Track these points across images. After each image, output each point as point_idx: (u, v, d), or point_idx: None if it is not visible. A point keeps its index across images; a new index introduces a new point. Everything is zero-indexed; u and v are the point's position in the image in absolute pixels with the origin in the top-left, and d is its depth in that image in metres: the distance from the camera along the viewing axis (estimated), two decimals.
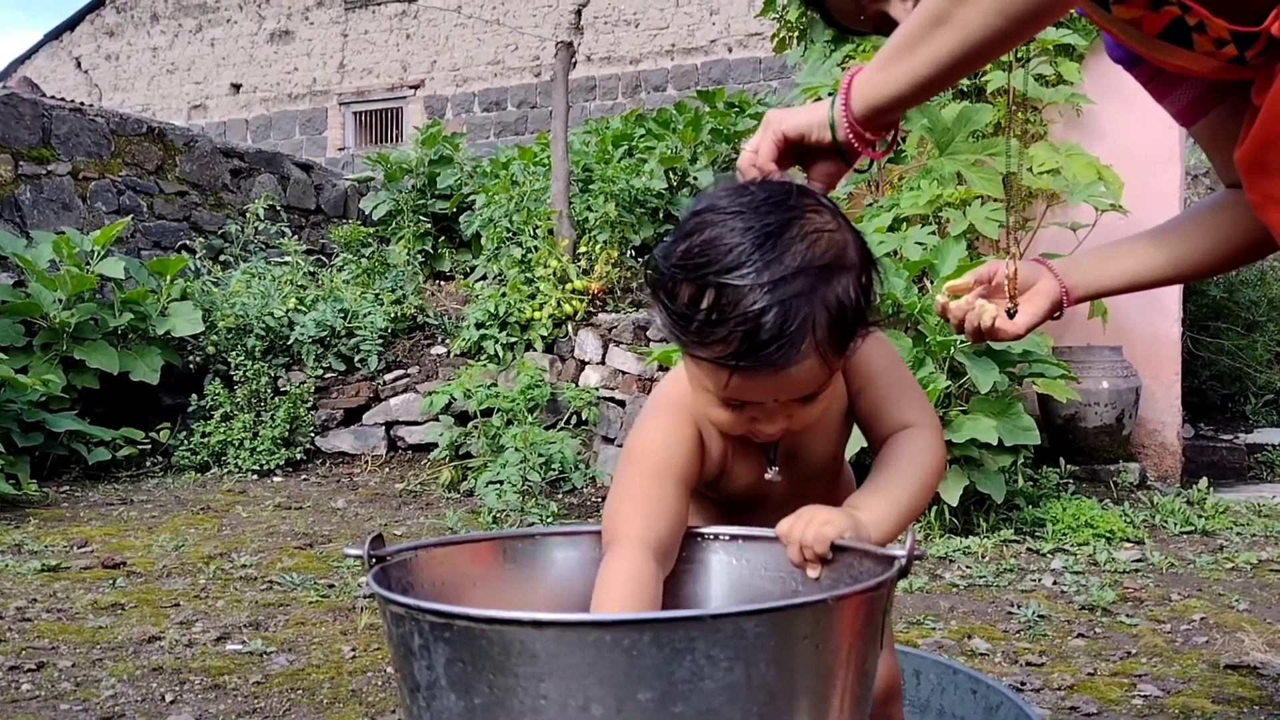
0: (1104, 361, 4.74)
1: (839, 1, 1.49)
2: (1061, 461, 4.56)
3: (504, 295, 5.68)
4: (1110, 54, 1.54)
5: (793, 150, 1.32)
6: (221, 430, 5.52)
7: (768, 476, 1.28)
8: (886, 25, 1.56)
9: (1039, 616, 2.90)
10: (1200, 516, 4.15)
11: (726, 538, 1.24)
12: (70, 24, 15.44)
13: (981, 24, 1.13)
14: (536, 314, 5.57)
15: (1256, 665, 2.46)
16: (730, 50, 11.73)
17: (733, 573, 1.23)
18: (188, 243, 6.87)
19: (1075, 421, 4.70)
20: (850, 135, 1.25)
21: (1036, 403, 4.65)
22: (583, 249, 5.89)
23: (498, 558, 1.23)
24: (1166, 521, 4.10)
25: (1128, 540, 3.82)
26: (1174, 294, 4.98)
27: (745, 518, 1.33)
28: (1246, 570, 3.45)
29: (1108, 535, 3.83)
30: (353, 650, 2.63)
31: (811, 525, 1.13)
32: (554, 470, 4.73)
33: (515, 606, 1.20)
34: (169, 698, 2.32)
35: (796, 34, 5.73)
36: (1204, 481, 4.67)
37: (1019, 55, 4.88)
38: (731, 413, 1.18)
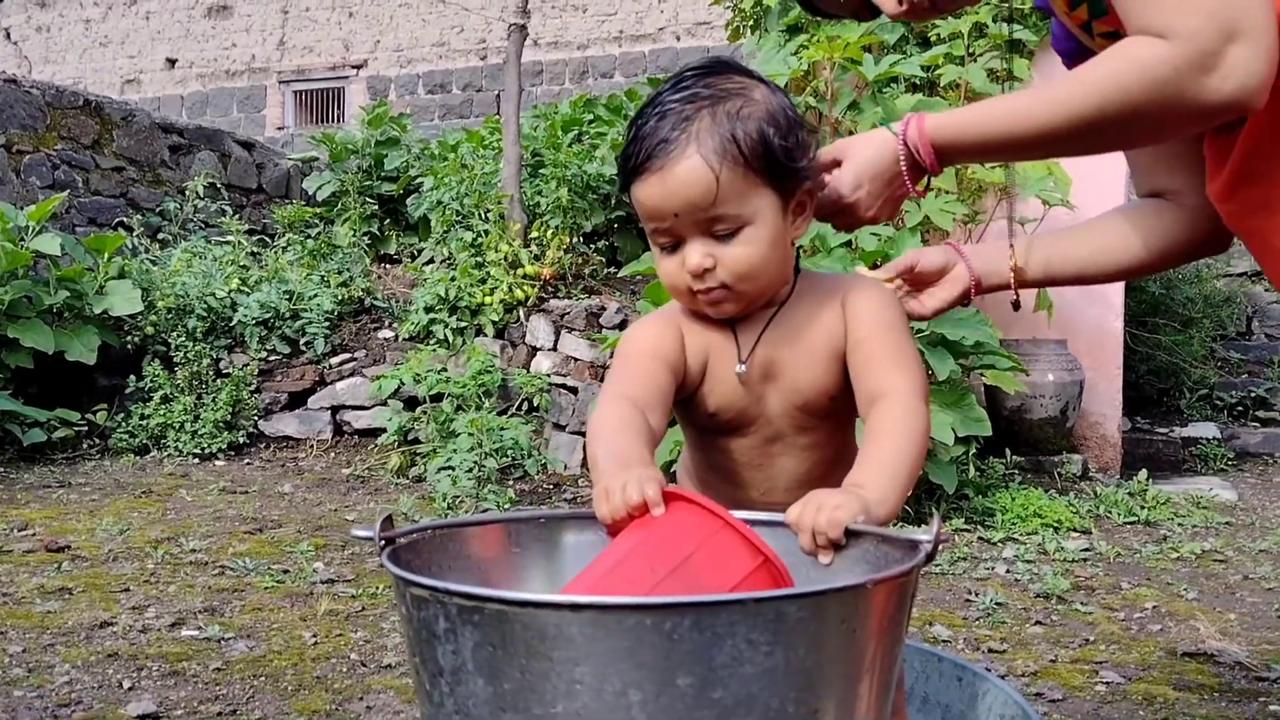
0: (1049, 355, 4.82)
1: None
2: (1008, 452, 4.63)
3: (454, 279, 5.61)
4: (1055, 45, 1.56)
5: None
6: (161, 412, 5.39)
7: (736, 370, 1.32)
8: (865, 10, 1.56)
9: (996, 604, 2.94)
10: (1142, 508, 4.24)
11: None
12: None
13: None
14: (487, 299, 5.51)
15: (1213, 653, 2.52)
16: (679, 39, 11.71)
17: None
18: (125, 220, 6.68)
19: (1021, 413, 4.77)
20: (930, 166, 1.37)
21: (984, 394, 4.71)
22: (534, 234, 5.83)
23: (505, 541, 1.21)
24: (1110, 512, 4.19)
25: (1075, 530, 3.89)
26: (1118, 289, 5.08)
27: (741, 445, 1.36)
28: (1191, 560, 3.53)
29: (1055, 525, 3.90)
30: (314, 636, 2.58)
31: (823, 511, 1.10)
32: (506, 457, 4.68)
33: (525, 590, 1.18)
34: (127, 684, 2.26)
35: (751, 22, 5.73)
36: (1143, 473, 4.78)
37: (971, 50, 4.94)
38: (668, 258, 1.28)
